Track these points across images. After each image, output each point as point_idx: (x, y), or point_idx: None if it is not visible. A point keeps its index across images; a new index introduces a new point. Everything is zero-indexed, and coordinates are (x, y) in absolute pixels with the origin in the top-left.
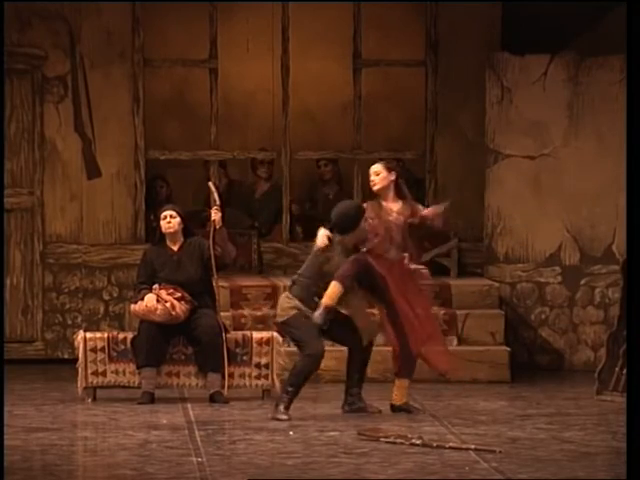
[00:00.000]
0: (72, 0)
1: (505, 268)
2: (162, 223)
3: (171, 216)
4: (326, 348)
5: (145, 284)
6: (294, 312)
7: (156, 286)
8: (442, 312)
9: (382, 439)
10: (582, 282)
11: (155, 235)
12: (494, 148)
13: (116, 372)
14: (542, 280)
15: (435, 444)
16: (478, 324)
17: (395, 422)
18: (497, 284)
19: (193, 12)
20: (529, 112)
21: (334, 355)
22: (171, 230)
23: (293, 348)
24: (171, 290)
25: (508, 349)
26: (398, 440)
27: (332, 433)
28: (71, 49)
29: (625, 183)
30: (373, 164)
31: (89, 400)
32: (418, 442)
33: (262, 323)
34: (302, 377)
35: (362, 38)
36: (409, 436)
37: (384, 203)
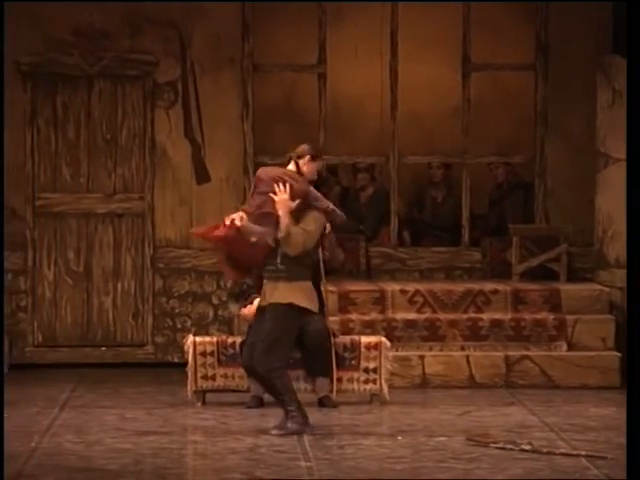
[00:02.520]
0: (175, 0)
1: (616, 273)
2: None
3: None
4: (433, 353)
5: (254, 288)
6: None
7: None
8: (552, 317)
9: (491, 445)
10: None
11: None
12: (605, 152)
13: (225, 376)
14: None
15: (545, 450)
16: (588, 329)
17: (505, 427)
18: (608, 289)
19: (302, 17)
20: None
21: (442, 360)
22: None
23: (401, 352)
24: None
25: (619, 354)
26: (507, 446)
27: (441, 438)
28: (182, 55)
29: (626, 183)
30: (482, 168)
31: (199, 404)
32: (528, 448)
33: (370, 328)
34: None
35: (471, 42)
36: (518, 442)
37: None
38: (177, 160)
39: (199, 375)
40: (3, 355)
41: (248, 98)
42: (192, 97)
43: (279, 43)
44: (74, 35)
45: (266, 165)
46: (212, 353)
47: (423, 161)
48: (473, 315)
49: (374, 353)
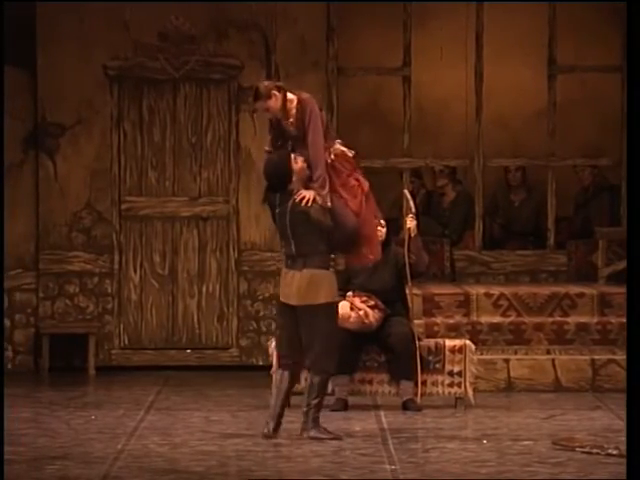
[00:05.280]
0: (260, 0)
1: None
2: None
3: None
4: (519, 356)
5: (340, 291)
6: None
7: (350, 293)
8: None
9: (577, 449)
10: None
11: None
12: None
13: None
14: None
15: None
16: None
17: (591, 432)
18: None
19: (387, 19)
20: None
21: (527, 364)
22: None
23: (485, 356)
24: (364, 298)
25: None
26: (594, 450)
27: (526, 442)
28: (266, 58)
29: (626, 182)
30: (567, 171)
31: None
32: (615, 452)
33: (455, 331)
34: None
35: (557, 43)
36: (605, 446)
37: None
38: (262, 163)
39: None
40: (3, 355)
41: (333, 101)
42: None
43: (364, 46)
44: (160, 39)
45: None
46: None
47: (508, 164)
48: (559, 319)
49: (459, 356)
